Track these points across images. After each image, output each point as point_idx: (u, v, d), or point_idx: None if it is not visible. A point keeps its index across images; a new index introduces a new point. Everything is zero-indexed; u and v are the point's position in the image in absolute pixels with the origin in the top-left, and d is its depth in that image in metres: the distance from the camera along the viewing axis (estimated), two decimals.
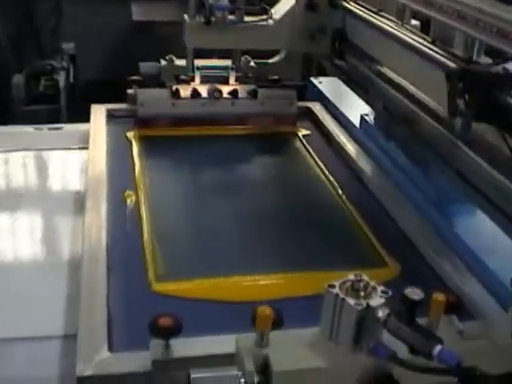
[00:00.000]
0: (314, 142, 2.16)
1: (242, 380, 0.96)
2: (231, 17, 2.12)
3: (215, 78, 2.25)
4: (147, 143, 2.08)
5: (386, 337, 1.00)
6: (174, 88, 2.21)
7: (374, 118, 2.07)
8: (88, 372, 1.11)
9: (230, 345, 1.10)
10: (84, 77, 4.38)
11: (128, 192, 1.76)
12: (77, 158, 2.06)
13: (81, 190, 1.87)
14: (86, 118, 2.21)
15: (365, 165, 1.95)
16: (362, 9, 1.99)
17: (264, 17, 2.15)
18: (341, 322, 1.00)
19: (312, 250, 1.56)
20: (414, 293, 0.95)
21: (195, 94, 2.21)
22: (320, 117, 2.30)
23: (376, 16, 1.89)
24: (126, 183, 1.82)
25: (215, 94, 2.19)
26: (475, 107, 1.25)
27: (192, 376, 0.96)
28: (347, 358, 1.00)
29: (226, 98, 2.20)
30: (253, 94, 2.25)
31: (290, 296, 1.36)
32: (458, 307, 1.21)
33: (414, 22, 1.87)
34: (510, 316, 1.07)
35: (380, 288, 1.01)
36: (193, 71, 2.23)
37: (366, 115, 2.08)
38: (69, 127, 2.31)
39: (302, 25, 2.14)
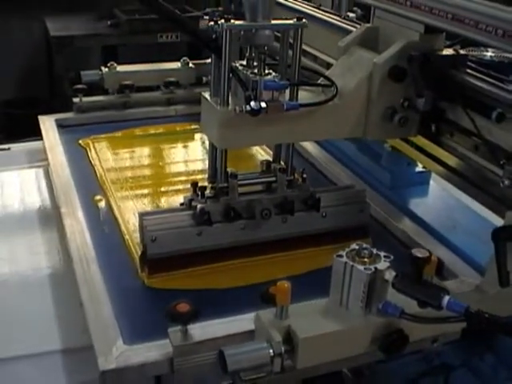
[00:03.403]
0: None
1: (271, 350, 1.04)
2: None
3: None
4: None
5: (391, 296, 1.11)
6: (198, 207, 1.43)
7: None
8: (111, 365, 1.15)
9: (244, 324, 1.19)
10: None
11: (97, 197, 1.79)
12: (31, 176, 2.08)
13: (42, 207, 1.91)
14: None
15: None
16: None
17: (326, 94, 1.41)
18: (351, 287, 1.09)
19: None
20: (420, 251, 1.06)
21: (232, 214, 1.44)
22: None
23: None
24: (93, 188, 1.84)
25: (263, 214, 1.48)
26: (437, 88, 1.38)
27: (226, 353, 1.02)
28: (360, 320, 1.10)
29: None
30: (312, 204, 1.52)
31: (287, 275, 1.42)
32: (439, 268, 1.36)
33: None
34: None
35: (382, 253, 1.11)
36: (226, 180, 1.47)
37: None
38: (17, 146, 2.30)
39: (381, 101, 1.43)
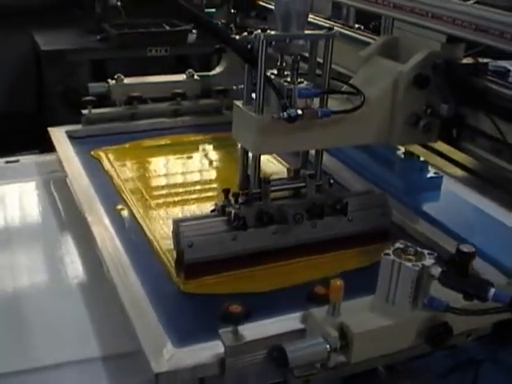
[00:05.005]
0: None
1: (327, 346, 1.08)
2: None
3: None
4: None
5: (434, 291, 1.16)
6: (233, 212, 1.46)
7: None
8: (164, 368, 1.17)
9: (292, 323, 1.23)
10: None
11: (120, 206, 1.81)
12: (43, 187, 2.10)
13: (58, 217, 1.92)
14: None
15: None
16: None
17: (352, 102, 1.45)
18: (399, 283, 1.14)
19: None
20: (466, 247, 1.12)
21: (265, 219, 1.47)
22: None
23: None
24: (113, 198, 1.86)
25: (296, 218, 1.51)
26: (460, 94, 1.45)
27: (287, 349, 1.06)
28: (407, 315, 1.15)
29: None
30: (340, 209, 1.55)
31: (310, 279, 1.46)
32: None
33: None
34: None
35: (426, 251, 1.17)
36: (259, 185, 1.51)
37: None
38: (25, 159, 2.30)
39: (406, 108, 1.50)
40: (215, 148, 2.34)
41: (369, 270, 1.54)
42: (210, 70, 2.64)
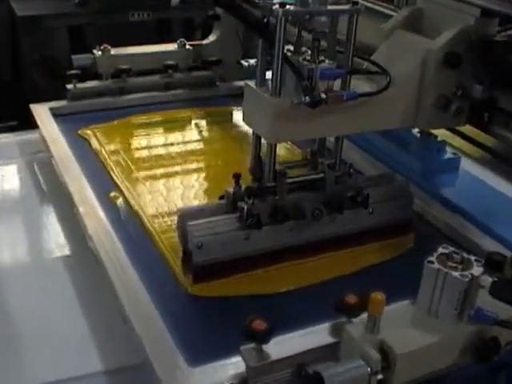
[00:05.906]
0: None
1: (368, 369, 0.96)
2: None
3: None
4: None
5: (481, 302, 1.04)
6: (245, 208, 1.30)
7: None
8: None
9: (320, 337, 1.10)
10: None
11: (113, 194, 1.65)
12: (27, 169, 1.94)
13: (43, 201, 1.79)
14: None
15: None
16: None
17: (376, 82, 1.33)
18: (443, 294, 1.02)
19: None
20: None
21: (280, 216, 1.33)
22: None
23: None
24: (105, 183, 1.70)
25: (315, 214, 1.38)
26: (497, 74, 1.31)
27: (325, 375, 0.93)
28: (453, 329, 1.02)
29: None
30: (362, 201, 1.41)
31: (328, 278, 1.36)
32: None
33: None
34: None
35: (472, 257, 1.04)
36: (274, 179, 1.34)
37: None
38: (6, 137, 2.13)
39: (435, 89, 1.36)
40: (210, 123, 2.18)
41: (391, 263, 1.43)
42: (194, 38, 2.45)
